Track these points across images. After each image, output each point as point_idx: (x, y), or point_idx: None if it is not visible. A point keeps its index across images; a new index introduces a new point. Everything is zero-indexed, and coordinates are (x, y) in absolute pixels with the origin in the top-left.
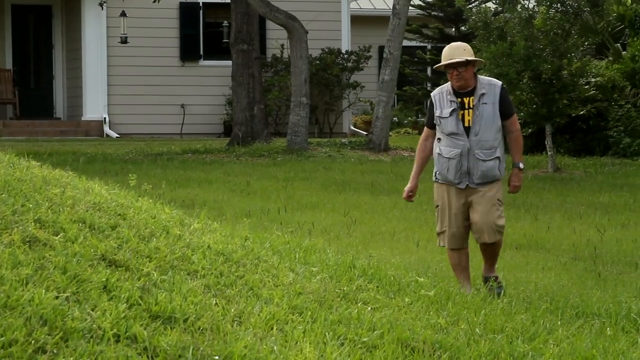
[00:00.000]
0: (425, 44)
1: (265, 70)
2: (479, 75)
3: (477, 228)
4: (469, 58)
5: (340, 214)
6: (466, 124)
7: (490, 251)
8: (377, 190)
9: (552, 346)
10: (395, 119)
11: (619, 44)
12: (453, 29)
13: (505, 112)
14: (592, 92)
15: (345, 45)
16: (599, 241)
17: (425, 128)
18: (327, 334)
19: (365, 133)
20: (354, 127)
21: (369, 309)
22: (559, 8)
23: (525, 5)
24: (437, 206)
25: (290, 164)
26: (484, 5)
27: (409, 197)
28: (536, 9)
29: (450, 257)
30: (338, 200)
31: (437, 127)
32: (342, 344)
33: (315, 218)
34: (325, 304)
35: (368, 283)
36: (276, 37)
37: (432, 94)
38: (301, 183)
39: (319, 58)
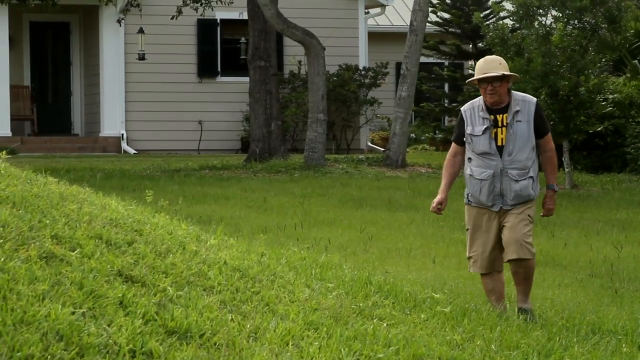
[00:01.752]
0: (443, 61)
1: (283, 86)
2: (513, 92)
3: (504, 243)
4: (505, 72)
5: (356, 230)
6: (499, 143)
7: (522, 274)
8: (394, 207)
9: None
10: (413, 135)
11: (636, 61)
12: (470, 46)
13: (540, 131)
14: (609, 109)
15: (362, 62)
16: (616, 258)
17: (453, 144)
18: (342, 349)
19: (382, 149)
20: (371, 143)
21: (385, 325)
22: (576, 25)
23: (543, 22)
24: (468, 229)
25: (307, 180)
26: (501, 22)
27: (438, 210)
28: (553, 25)
29: (484, 284)
30: (355, 217)
31: (467, 145)
32: None
33: (332, 234)
34: (341, 320)
35: (384, 299)
36: (293, 53)
37: (462, 109)
38: (318, 199)
39: (336, 74)
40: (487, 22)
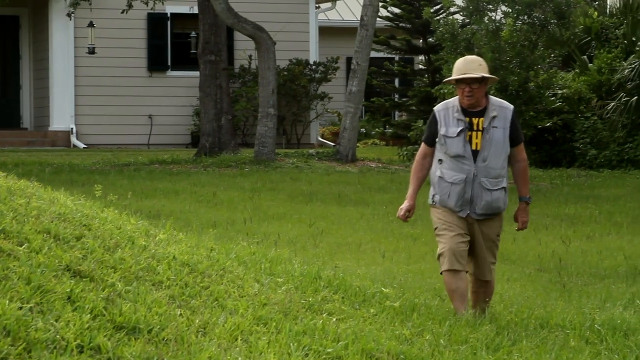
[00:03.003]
0: (393, 56)
1: (233, 81)
2: (490, 96)
3: (476, 263)
4: (485, 75)
5: (306, 225)
6: (474, 147)
7: (482, 293)
8: (344, 201)
9: (516, 357)
10: (363, 130)
11: (585, 56)
12: (421, 41)
13: (514, 139)
14: (558, 104)
15: (313, 57)
16: (565, 253)
17: (423, 145)
18: (291, 344)
19: (332, 144)
20: (322, 138)
21: (334, 319)
22: (525, 20)
23: (492, 17)
24: (436, 228)
25: (257, 175)
26: (451, 17)
27: (405, 217)
28: (503, 20)
29: (447, 283)
30: (305, 211)
31: (439, 146)
32: (307, 355)
33: (282, 229)
34: (290, 315)
35: (333, 294)
36: (244, 47)
37: (435, 109)
38: (268, 194)
39: (286, 69)
40: (437, 18)
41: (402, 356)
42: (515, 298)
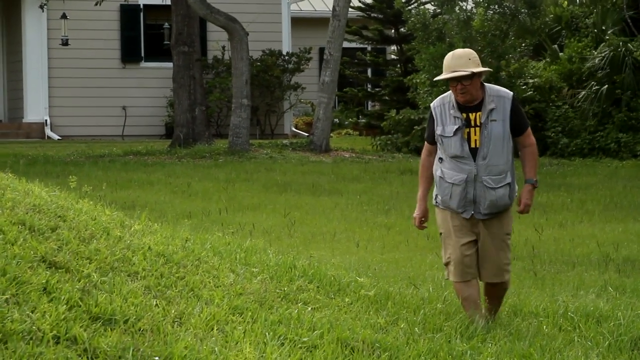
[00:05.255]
0: (366, 46)
1: (207, 71)
2: (486, 85)
3: (483, 265)
4: (475, 70)
5: (281, 215)
6: (473, 145)
7: (497, 293)
8: (318, 191)
9: (490, 345)
10: (336, 120)
11: (556, 45)
12: (392, 31)
13: (518, 128)
14: (530, 93)
15: (285, 47)
16: (537, 241)
17: (426, 143)
18: (267, 334)
19: (306, 134)
20: (295, 128)
21: (309, 309)
22: (496, 10)
23: (464, 7)
24: (441, 233)
25: (232, 165)
26: (422, 7)
27: (421, 225)
28: (474, 10)
29: (458, 291)
30: (279, 201)
31: (438, 145)
32: (282, 344)
33: (257, 219)
34: (265, 305)
35: (308, 283)
36: (217, 38)
37: (432, 106)
38: (242, 184)
39: (259, 60)
40: (409, 8)
41: (377, 344)
42: None
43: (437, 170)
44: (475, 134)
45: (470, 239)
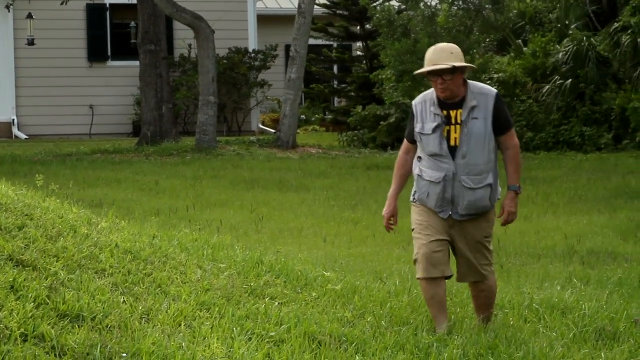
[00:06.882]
0: (331, 42)
1: (173, 69)
2: (469, 82)
3: (459, 266)
4: (457, 64)
5: (248, 211)
6: (452, 143)
7: (482, 295)
8: (285, 187)
9: (456, 337)
10: (303, 116)
11: (520, 40)
12: (358, 27)
13: (500, 127)
14: (494, 88)
15: (252, 44)
16: (502, 234)
17: (405, 141)
18: (234, 329)
19: (273, 131)
20: (262, 125)
21: (277, 303)
22: (460, 5)
23: (428, 3)
24: (413, 229)
25: (199, 163)
26: (387, 4)
27: (389, 225)
28: (439, 6)
29: (423, 290)
30: (246, 198)
31: (418, 143)
32: (250, 339)
33: (224, 215)
34: (232, 300)
35: (275, 278)
36: (183, 37)
37: (413, 103)
38: (210, 181)
39: (226, 57)
40: (374, 4)
41: (344, 338)
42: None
43: (415, 169)
44: (455, 132)
45: (441, 237)
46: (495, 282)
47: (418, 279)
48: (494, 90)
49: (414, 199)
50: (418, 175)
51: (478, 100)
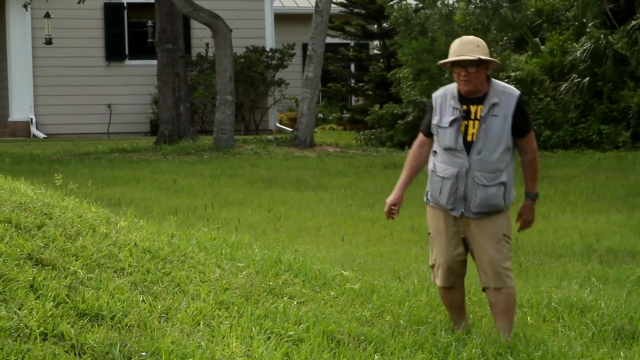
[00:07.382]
0: (349, 41)
1: (191, 68)
2: (493, 80)
3: (480, 268)
4: (483, 57)
5: (266, 210)
6: (469, 139)
7: (501, 304)
8: (303, 186)
9: (475, 336)
10: (320, 115)
11: (537, 38)
12: (375, 26)
13: (520, 129)
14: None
15: (269, 43)
16: (521, 233)
17: (420, 134)
18: (253, 328)
19: (290, 130)
20: (280, 124)
21: (295, 303)
22: (478, 4)
23: (445, 2)
24: (430, 233)
25: (217, 162)
26: (405, 2)
27: (390, 213)
28: (456, 5)
29: (442, 297)
30: (264, 197)
31: (434, 137)
32: (269, 338)
33: (242, 214)
34: (251, 299)
35: (294, 277)
36: (201, 36)
37: (433, 96)
38: (228, 180)
39: (243, 56)
40: (391, 3)
41: (362, 337)
42: (473, 278)
43: (429, 164)
44: (473, 128)
45: (460, 250)
46: (515, 290)
47: (437, 284)
48: (517, 91)
49: (427, 199)
50: (432, 170)
51: (500, 99)
